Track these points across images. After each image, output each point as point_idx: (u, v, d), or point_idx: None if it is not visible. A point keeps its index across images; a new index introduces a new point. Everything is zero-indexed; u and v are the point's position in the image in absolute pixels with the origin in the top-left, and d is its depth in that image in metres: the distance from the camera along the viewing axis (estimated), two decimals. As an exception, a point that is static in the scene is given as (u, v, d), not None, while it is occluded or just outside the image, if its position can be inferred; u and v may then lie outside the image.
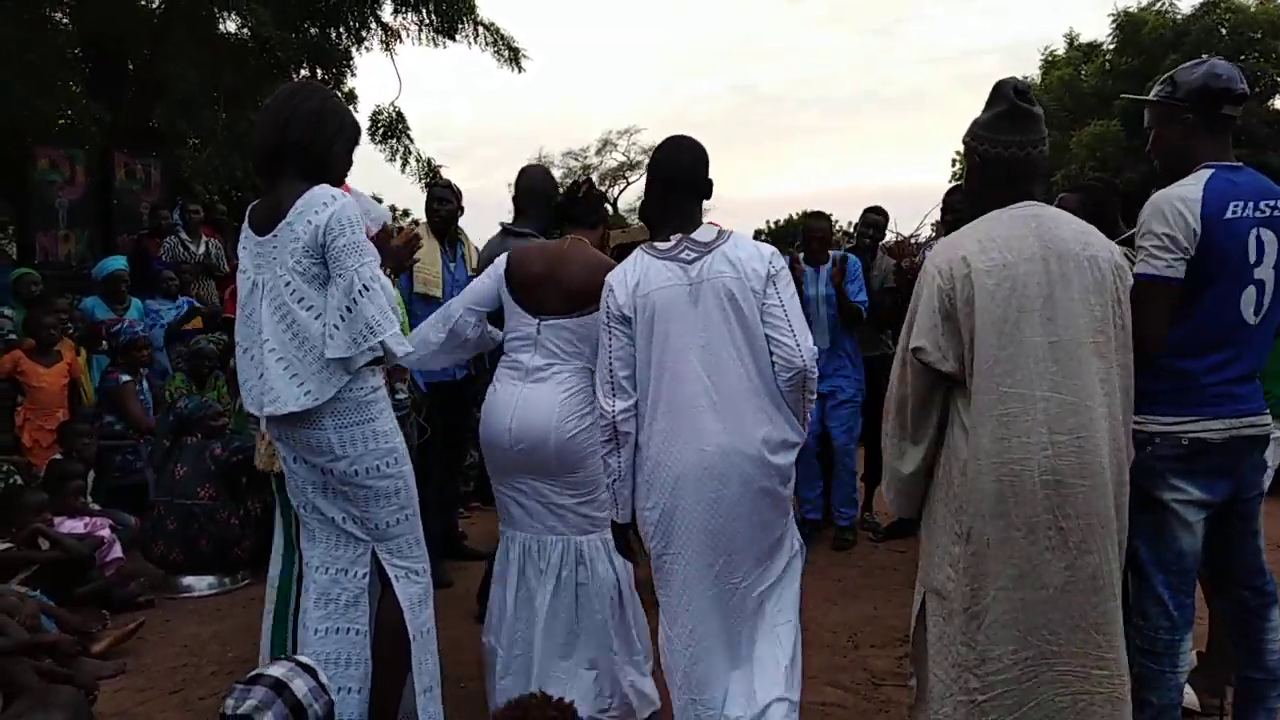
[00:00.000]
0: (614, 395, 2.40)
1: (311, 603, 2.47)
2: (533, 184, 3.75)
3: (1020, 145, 2.10)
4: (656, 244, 2.44)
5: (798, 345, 2.35)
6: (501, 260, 2.92)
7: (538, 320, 2.79)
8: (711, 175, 2.52)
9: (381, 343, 2.32)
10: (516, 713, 1.74)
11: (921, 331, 2.06)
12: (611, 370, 2.41)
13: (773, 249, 2.46)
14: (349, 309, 2.26)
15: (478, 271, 3.64)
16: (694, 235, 2.42)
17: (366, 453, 2.36)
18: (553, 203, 3.65)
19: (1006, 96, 2.10)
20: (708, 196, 2.52)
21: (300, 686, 2.19)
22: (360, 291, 2.25)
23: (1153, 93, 2.45)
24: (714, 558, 2.37)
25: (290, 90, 2.45)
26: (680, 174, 2.47)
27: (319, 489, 2.43)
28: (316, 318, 2.29)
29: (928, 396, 2.09)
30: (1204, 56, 2.44)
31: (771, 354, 2.37)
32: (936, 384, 2.08)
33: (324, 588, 2.47)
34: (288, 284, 2.30)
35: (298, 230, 2.27)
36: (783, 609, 2.47)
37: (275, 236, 2.32)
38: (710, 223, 2.51)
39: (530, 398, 2.76)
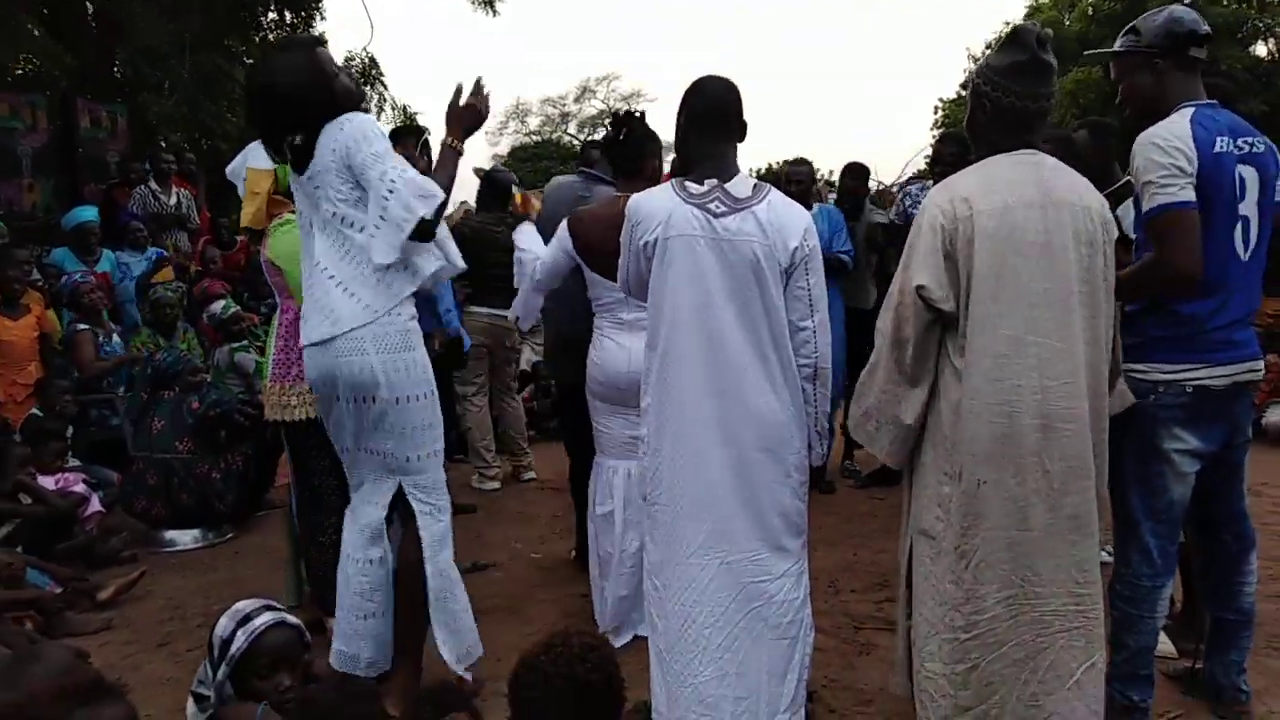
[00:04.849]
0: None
1: (349, 533, 2.58)
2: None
3: (1034, 98, 2.07)
4: (689, 185, 2.28)
5: (814, 334, 2.28)
6: (564, 234, 3.05)
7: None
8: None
9: (422, 269, 2.43)
10: (553, 639, 1.80)
11: (924, 269, 2.05)
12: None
13: (809, 221, 2.29)
14: (382, 218, 2.34)
15: None
16: (728, 186, 2.26)
17: (408, 381, 2.42)
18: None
19: (1029, 46, 2.05)
20: (742, 139, 2.37)
21: (222, 624, 2.28)
22: (387, 194, 2.32)
23: (1118, 44, 2.44)
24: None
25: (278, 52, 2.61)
26: (714, 113, 2.32)
27: (355, 427, 2.47)
28: (362, 231, 2.39)
29: (926, 336, 2.08)
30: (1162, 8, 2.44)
31: (792, 336, 2.27)
32: (934, 324, 2.07)
33: (352, 519, 2.57)
34: (334, 214, 2.42)
35: (328, 160, 2.39)
36: None
37: (310, 178, 2.44)
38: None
39: (638, 347, 2.91)
